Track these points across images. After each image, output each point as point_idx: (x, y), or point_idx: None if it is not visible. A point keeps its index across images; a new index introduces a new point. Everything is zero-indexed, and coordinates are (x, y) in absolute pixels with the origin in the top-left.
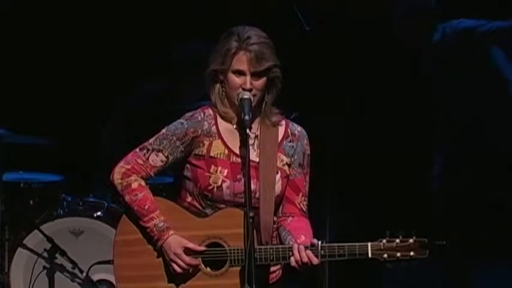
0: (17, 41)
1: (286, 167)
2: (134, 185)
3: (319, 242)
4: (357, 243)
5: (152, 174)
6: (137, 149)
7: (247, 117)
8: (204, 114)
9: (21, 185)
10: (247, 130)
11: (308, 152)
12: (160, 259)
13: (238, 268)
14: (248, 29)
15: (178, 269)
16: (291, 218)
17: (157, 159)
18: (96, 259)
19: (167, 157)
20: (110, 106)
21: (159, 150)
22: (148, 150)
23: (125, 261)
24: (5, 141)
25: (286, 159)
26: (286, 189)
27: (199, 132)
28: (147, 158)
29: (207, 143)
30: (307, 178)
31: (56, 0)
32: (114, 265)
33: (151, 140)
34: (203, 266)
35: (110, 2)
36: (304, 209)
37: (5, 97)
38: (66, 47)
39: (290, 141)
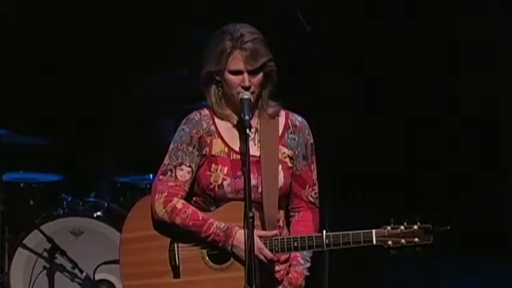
0: (17, 41)
1: (287, 159)
2: (179, 206)
3: (324, 231)
4: (362, 231)
5: (187, 189)
6: (160, 176)
7: (247, 117)
8: (201, 114)
9: (21, 185)
10: (247, 130)
11: (311, 140)
12: (166, 255)
13: (242, 261)
14: (239, 26)
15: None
16: (297, 215)
17: (184, 173)
18: (96, 259)
19: (190, 166)
20: (110, 106)
21: (181, 164)
22: (171, 170)
23: (131, 258)
24: (5, 141)
25: (288, 152)
26: (292, 184)
27: (202, 132)
28: (176, 177)
29: (209, 141)
30: (313, 166)
31: (55, 1)
32: (120, 263)
33: (166, 161)
34: (208, 259)
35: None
36: (312, 200)
37: (5, 97)
38: (66, 47)
39: (291, 133)
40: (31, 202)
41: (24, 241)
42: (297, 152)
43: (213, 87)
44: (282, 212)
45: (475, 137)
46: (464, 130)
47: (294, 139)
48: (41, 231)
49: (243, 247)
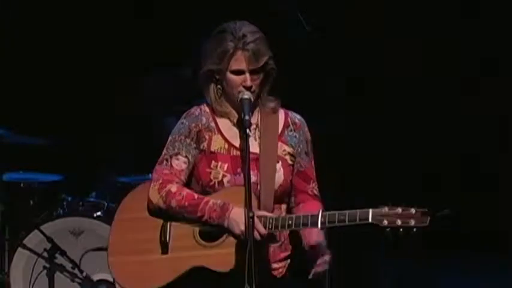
0: (17, 42)
1: (288, 156)
2: (173, 189)
3: (320, 210)
4: (358, 210)
5: (183, 178)
6: (156, 166)
7: (247, 117)
8: (201, 109)
9: (21, 185)
10: (247, 130)
11: (309, 137)
12: (157, 234)
13: (235, 237)
14: (240, 25)
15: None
16: (302, 204)
17: (180, 163)
18: (96, 259)
19: (186, 157)
20: (110, 106)
21: (177, 154)
22: (167, 159)
23: (120, 237)
24: (5, 141)
25: (288, 149)
26: (295, 181)
27: (200, 126)
28: (171, 165)
29: (207, 137)
30: (313, 162)
31: (56, 1)
32: (108, 242)
33: (164, 151)
34: (199, 237)
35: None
36: (315, 193)
37: (5, 97)
38: (66, 47)
39: (291, 131)
40: (31, 202)
41: (24, 241)
42: (299, 149)
43: (212, 85)
44: (283, 208)
45: (474, 137)
46: (464, 130)
47: (295, 136)
48: (41, 231)
49: (239, 221)
